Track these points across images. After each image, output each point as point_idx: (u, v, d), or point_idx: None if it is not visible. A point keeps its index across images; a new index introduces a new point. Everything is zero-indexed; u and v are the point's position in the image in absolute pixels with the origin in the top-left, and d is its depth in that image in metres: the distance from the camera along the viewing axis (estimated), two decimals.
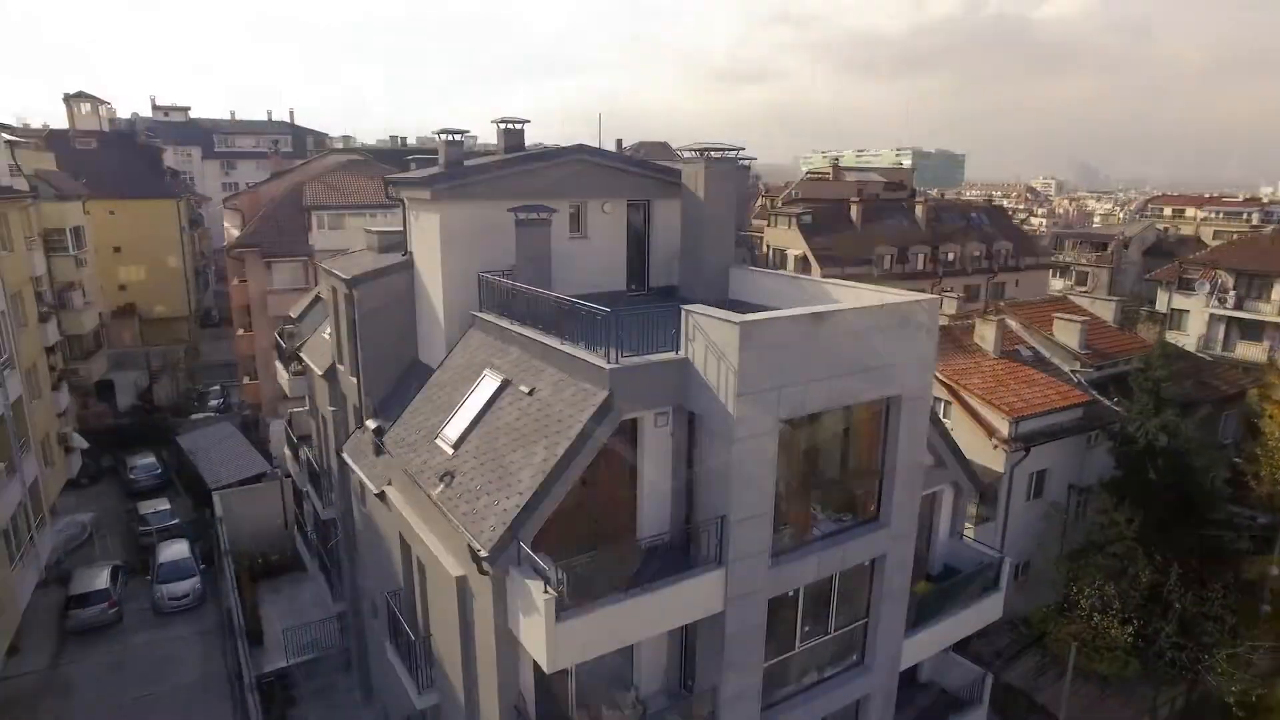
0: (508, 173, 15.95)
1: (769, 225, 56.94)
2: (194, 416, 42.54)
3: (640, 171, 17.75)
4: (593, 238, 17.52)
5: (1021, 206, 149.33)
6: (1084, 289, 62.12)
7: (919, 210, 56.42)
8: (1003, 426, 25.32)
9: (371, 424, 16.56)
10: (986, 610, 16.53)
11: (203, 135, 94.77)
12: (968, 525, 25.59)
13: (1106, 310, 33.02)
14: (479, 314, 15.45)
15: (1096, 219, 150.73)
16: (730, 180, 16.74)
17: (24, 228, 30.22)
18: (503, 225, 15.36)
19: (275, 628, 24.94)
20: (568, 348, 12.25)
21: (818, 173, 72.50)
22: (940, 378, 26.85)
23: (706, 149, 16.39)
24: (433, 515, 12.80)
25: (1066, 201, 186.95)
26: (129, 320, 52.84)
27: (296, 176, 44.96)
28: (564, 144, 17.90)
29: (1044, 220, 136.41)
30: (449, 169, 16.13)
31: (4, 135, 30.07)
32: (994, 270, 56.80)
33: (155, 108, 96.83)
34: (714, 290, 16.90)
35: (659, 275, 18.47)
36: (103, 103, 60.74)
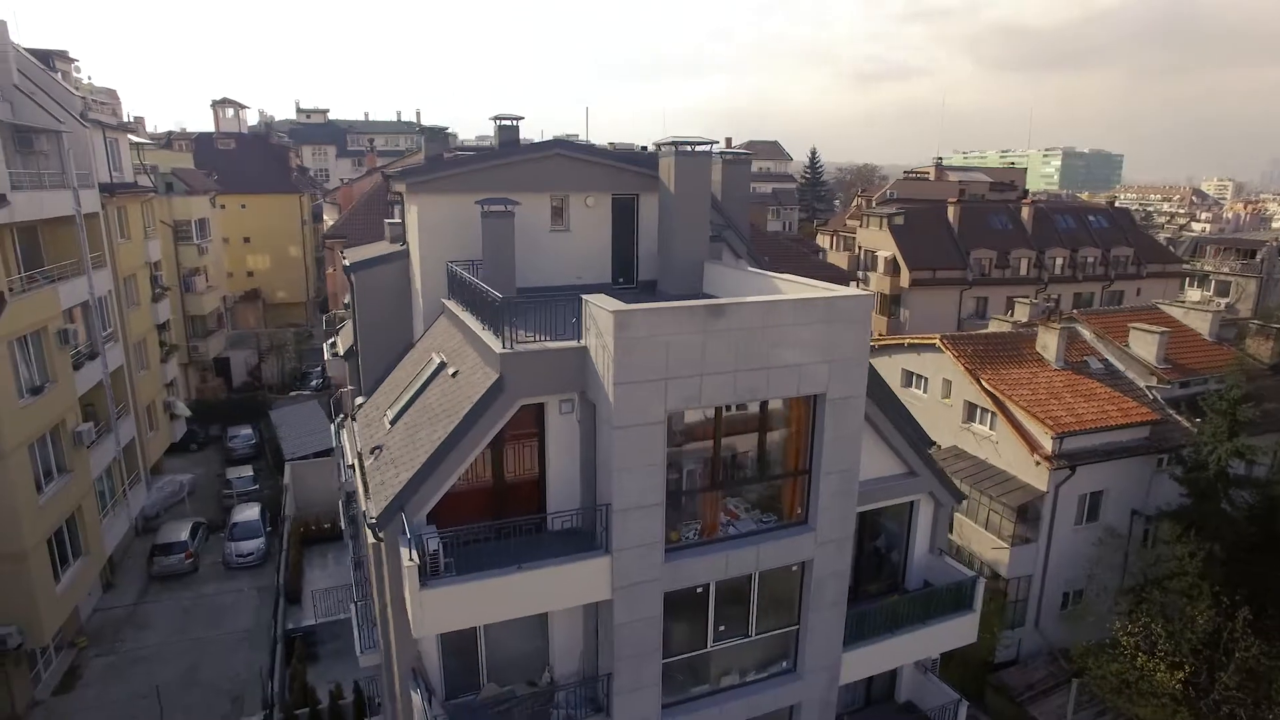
0: (481, 167, 16.57)
1: (861, 226, 55.01)
2: (292, 394, 46.48)
3: (624, 166, 17.88)
4: (575, 231, 17.82)
5: (1182, 210, 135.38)
6: (1225, 301, 55.77)
7: (1024, 212, 52.63)
8: (1045, 441, 23.45)
9: (359, 400, 17.72)
10: (955, 631, 15.52)
11: (338, 135, 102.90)
12: (1002, 544, 24.01)
13: (1203, 322, 29.66)
14: (445, 300, 16.20)
15: (1277, 223, 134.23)
16: (702, 174, 16.57)
17: (142, 219, 34.21)
18: (477, 217, 15.98)
19: (314, 589, 27.03)
20: (482, 333, 12.69)
21: (917, 172, 69.04)
22: (985, 386, 25.26)
23: (679, 142, 16.34)
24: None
25: (1240, 206, 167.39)
26: (254, 304, 58.37)
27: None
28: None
29: (1206, 225, 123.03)
30: (427, 162, 16.96)
31: (130, 137, 34.17)
32: (1109, 277, 52.12)
33: (299, 110, 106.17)
34: (687, 284, 16.82)
35: (648, 269, 18.54)
36: (243, 107, 67.33)
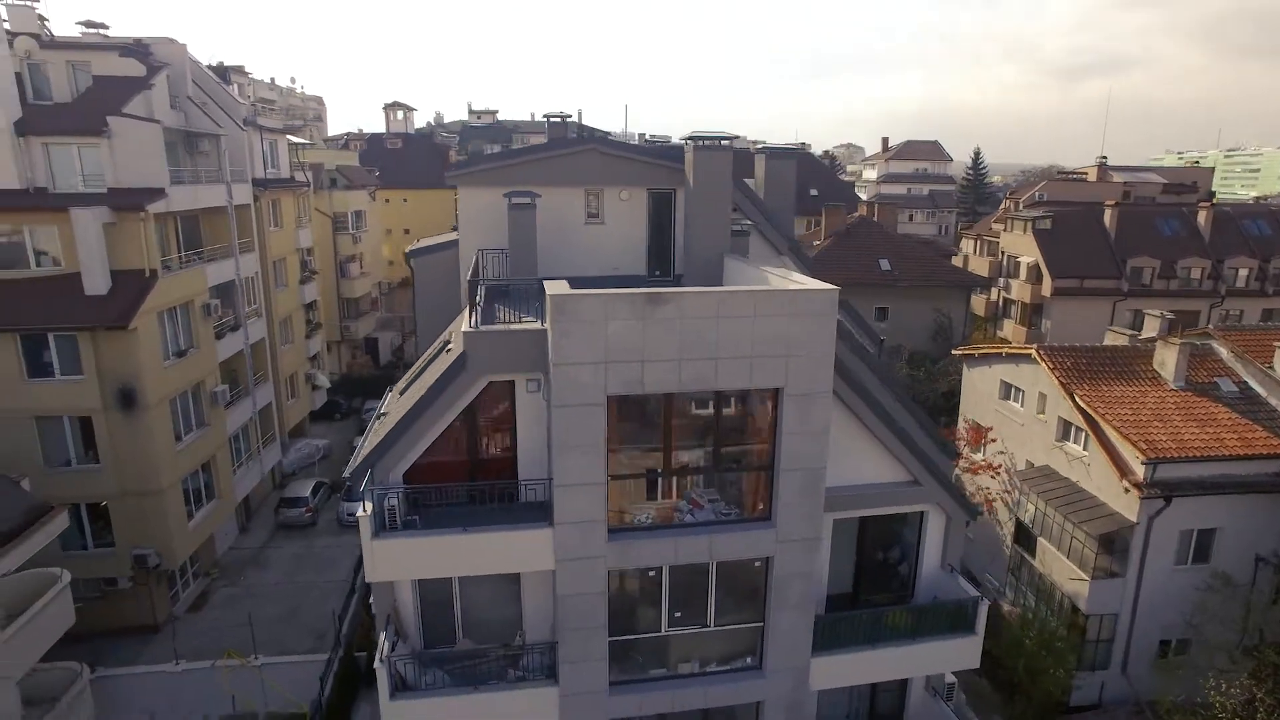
0: (516, 162, 17.65)
1: (1005, 230, 51.13)
2: None
3: (658, 162, 18.27)
4: (610, 224, 18.48)
5: None
6: None
7: (1201, 217, 46.53)
8: (1136, 466, 21.07)
9: (402, 383, 19.45)
10: (953, 653, 14.62)
11: (504, 134, 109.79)
12: (1081, 576, 21.97)
13: None
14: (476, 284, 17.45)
15: None
16: (720, 169, 16.65)
17: (296, 210, 38.86)
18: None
19: None
20: (465, 314, 13.70)
21: (1075, 173, 62.63)
22: (1079, 402, 23.12)
23: (699, 137, 16.54)
24: None
25: None
26: (409, 290, 63.94)
27: None
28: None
29: None
30: (470, 158, 18.27)
31: (291, 138, 38.94)
32: None
33: (470, 111, 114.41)
34: (705, 277, 16.99)
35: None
36: (411, 110, 73.84)
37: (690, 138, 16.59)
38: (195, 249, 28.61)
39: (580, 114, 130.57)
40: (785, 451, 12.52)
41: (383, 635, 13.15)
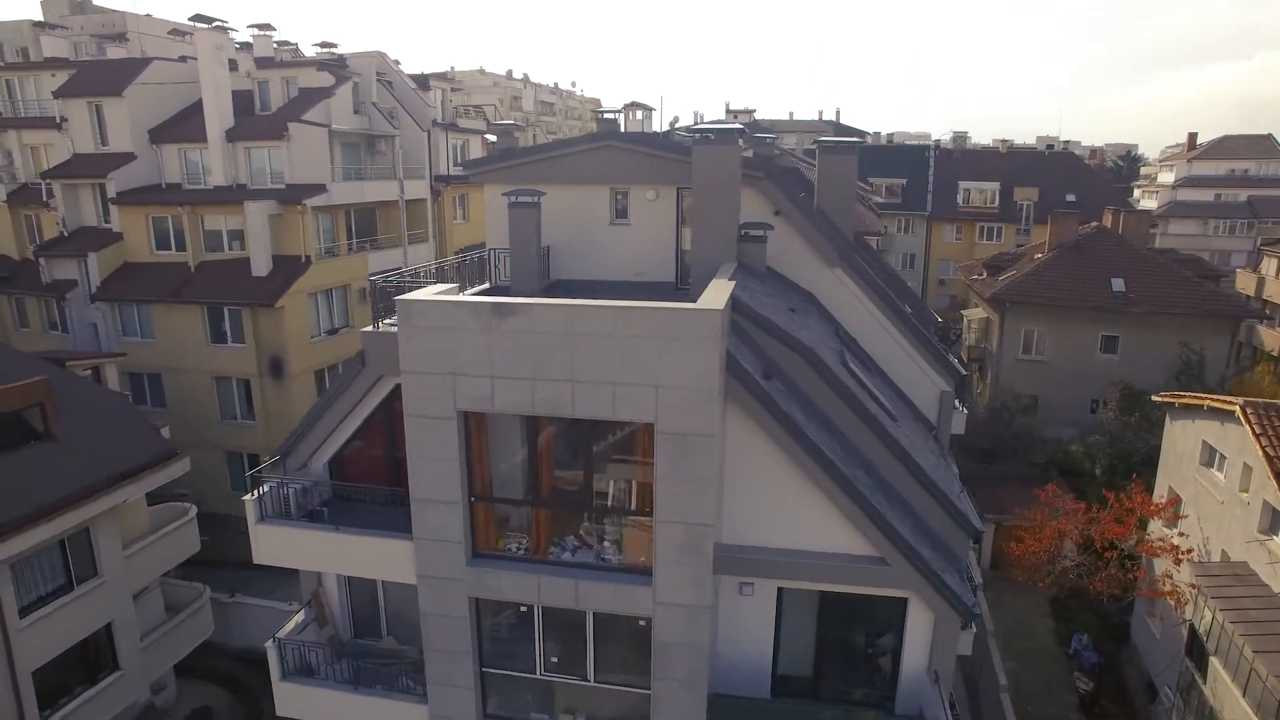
0: (533, 159, 17.12)
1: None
2: None
3: (687, 159, 16.59)
4: (636, 225, 17.25)
5: None
6: None
7: None
8: None
9: None
10: None
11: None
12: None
13: None
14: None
15: None
16: (723, 166, 14.56)
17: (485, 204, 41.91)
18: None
19: None
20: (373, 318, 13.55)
21: None
22: (1263, 448, 17.06)
23: (703, 129, 14.73)
24: None
25: None
26: None
27: None
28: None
29: None
30: (489, 156, 18.14)
31: (486, 136, 42.09)
32: None
33: (727, 110, 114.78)
34: (700, 288, 15.13)
35: None
36: (649, 109, 75.89)
37: (694, 129, 14.80)
38: (368, 238, 32.18)
39: (838, 113, 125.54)
40: (662, 501, 10.62)
41: (298, 617, 13.63)
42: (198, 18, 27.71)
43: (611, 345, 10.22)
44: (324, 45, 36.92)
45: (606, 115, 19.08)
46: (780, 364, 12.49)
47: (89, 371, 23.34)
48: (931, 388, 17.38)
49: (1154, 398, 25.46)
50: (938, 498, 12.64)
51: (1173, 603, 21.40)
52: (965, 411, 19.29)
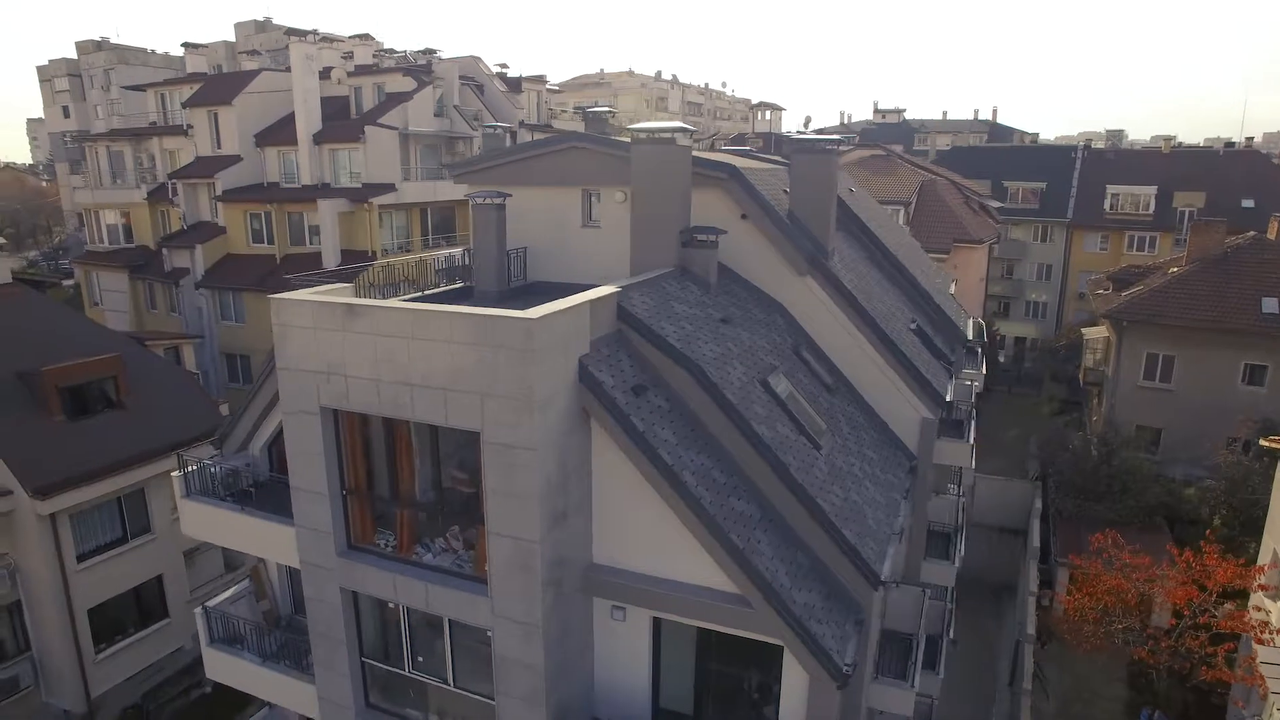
0: (508, 160, 17.27)
1: None
2: None
3: None
4: (607, 228, 17.01)
5: None
6: None
7: None
8: None
9: None
10: None
11: (907, 134, 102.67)
12: None
13: None
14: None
15: None
16: (666, 169, 14.05)
17: None
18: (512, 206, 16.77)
19: None
20: None
21: None
22: None
23: (648, 130, 14.25)
24: None
25: None
26: None
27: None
28: None
29: None
30: (474, 157, 18.43)
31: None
32: None
33: (875, 111, 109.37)
34: None
35: None
36: (780, 110, 73.92)
37: (644, 129, 14.32)
38: (444, 234, 33.86)
39: (995, 111, 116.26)
40: (492, 513, 10.44)
41: (236, 588, 14.69)
42: (291, 32, 30.38)
43: (446, 351, 10.17)
44: (426, 51, 39.21)
45: (592, 112, 18.87)
46: (669, 380, 11.84)
47: (169, 351, 26.31)
48: (913, 414, 15.73)
49: (1262, 441, 21.47)
50: (835, 538, 11.46)
51: (1261, 691, 18.09)
52: (973, 444, 17.25)
